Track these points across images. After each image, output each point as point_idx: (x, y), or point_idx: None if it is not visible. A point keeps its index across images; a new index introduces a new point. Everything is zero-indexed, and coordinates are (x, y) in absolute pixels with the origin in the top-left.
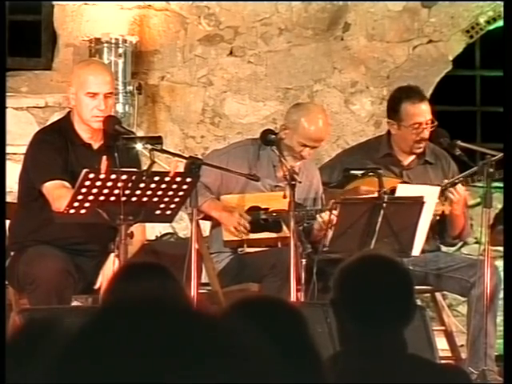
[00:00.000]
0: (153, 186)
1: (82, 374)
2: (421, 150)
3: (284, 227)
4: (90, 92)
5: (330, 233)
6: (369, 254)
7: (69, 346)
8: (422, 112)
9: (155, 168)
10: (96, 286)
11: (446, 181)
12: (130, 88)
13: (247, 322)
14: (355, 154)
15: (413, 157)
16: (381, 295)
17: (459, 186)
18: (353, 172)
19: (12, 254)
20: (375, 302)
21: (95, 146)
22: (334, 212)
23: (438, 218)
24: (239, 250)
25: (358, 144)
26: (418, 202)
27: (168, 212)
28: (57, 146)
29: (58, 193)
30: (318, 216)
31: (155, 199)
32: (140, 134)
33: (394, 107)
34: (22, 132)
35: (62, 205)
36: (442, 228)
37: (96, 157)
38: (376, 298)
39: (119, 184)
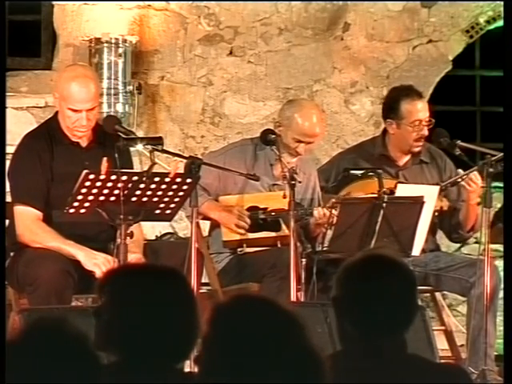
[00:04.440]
0: (153, 186)
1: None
2: (419, 148)
3: (283, 226)
4: (73, 109)
5: (330, 233)
6: (374, 254)
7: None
8: (422, 109)
9: (155, 168)
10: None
11: (450, 180)
12: (129, 88)
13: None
14: (351, 155)
15: (408, 157)
16: (384, 296)
17: (475, 175)
18: (353, 172)
19: (11, 254)
20: (378, 301)
21: (83, 143)
22: (334, 212)
23: (436, 214)
24: (239, 250)
25: (353, 146)
26: (417, 202)
27: (168, 211)
28: (39, 154)
29: (26, 224)
30: (314, 212)
31: (155, 199)
32: (140, 133)
33: (392, 106)
34: (21, 132)
35: (24, 239)
36: (455, 223)
37: (84, 154)
38: (379, 298)
39: (119, 185)
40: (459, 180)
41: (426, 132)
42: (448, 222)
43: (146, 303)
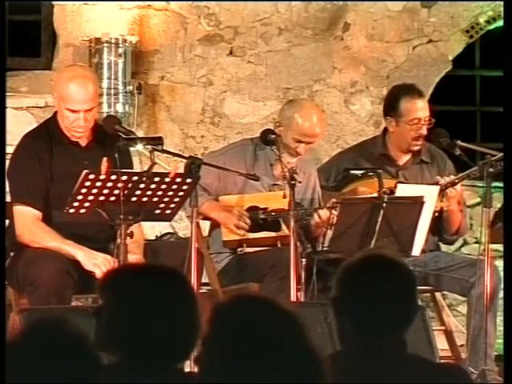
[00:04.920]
0: (153, 186)
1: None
2: (418, 147)
3: (283, 226)
4: (71, 109)
5: (330, 233)
6: (374, 254)
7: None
8: (421, 108)
9: (155, 168)
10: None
11: (447, 178)
12: (129, 88)
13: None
14: (351, 155)
15: (408, 156)
16: (383, 295)
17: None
18: (353, 172)
19: (11, 254)
20: (378, 301)
21: (83, 143)
22: (334, 212)
23: (436, 214)
24: (239, 250)
25: (353, 145)
26: (417, 202)
27: (168, 211)
28: (39, 153)
29: (25, 224)
30: (314, 213)
31: (155, 199)
32: (140, 133)
33: (392, 104)
34: (21, 132)
35: (24, 239)
36: (439, 225)
37: (84, 154)
38: (378, 298)
39: (119, 185)
40: (457, 181)
41: (424, 131)
42: (434, 224)
43: (147, 303)
